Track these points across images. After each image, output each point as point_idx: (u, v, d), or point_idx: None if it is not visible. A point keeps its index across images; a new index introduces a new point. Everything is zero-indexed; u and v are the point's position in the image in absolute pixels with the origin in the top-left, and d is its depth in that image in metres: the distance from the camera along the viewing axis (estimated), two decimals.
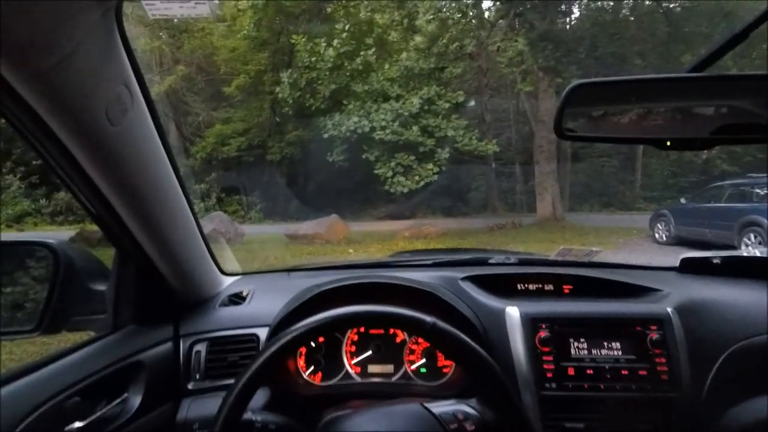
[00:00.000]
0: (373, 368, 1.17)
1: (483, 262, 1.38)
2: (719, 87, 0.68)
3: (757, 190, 6.93)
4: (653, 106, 0.73)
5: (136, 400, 0.93)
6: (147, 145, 0.79)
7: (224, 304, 1.21)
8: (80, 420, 0.80)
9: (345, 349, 1.18)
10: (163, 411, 1.00)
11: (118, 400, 0.91)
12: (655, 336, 1.03)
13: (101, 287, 1.01)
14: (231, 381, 0.70)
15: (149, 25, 12.38)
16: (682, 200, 8.65)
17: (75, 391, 0.81)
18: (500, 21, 11.18)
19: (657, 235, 8.27)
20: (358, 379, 1.16)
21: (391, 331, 1.19)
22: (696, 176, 11.97)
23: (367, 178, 11.17)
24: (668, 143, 0.71)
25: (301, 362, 1.17)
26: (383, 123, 10.03)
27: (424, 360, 1.17)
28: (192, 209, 1.01)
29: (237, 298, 1.23)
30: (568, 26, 11.38)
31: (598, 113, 0.77)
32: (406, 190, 10.00)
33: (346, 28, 10.72)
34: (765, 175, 7.14)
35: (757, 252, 1.56)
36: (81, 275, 0.98)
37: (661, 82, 0.73)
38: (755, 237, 6.38)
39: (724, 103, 0.70)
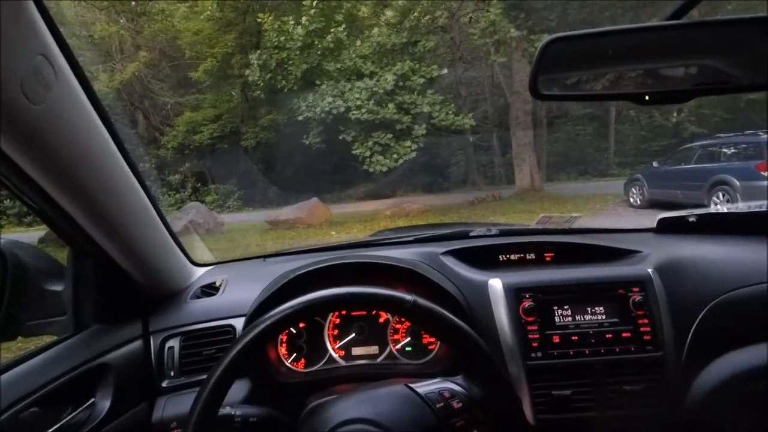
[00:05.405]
0: (357, 351, 1.14)
1: (464, 236, 1.35)
2: (697, 34, 0.65)
3: (725, 150, 7.13)
4: (631, 59, 0.69)
5: (104, 404, 0.87)
6: (82, 125, 0.70)
7: (196, 296, 1.15)
8: (42, 431, 0.74)
9: (327, 333, 1.15)
10: (136, 413, 0.94)
11: (84, 406, 0.85)
12: (637, 297, 1.03)
13: (58, 287, 0.94)
14: None
15: (104, 8, 11.69)
16: (655, 164, 8.83)
17: (32, 401, 0.74)
18: None
19: (632, 200, 8.47)
20: (343, 363, 1.13)
21: (374, 311, 1.16)
22: (667, 140, 12.23)
23: (345, 159, 11.03)
24: (647, 97, 0.68)
25: (282, 350, 1.13)
26: (358, 102, 9.83)
27: (408, 339, 1.14)
28: (150, 197, 0.93)
29: (210, 289, 1.17)
30: None
31: (575, 71, 0.73)
32: (385, 168, 9.91)
33: (314, 4, 10.33)
34: (732, 134, 7.33)
35: (725, 209, 1.58)
36: (33, 276, 0.90)
37: (638, 32, 0.69)
38: (723, 195, 6.60)
39: (703, 52, 0.67)
